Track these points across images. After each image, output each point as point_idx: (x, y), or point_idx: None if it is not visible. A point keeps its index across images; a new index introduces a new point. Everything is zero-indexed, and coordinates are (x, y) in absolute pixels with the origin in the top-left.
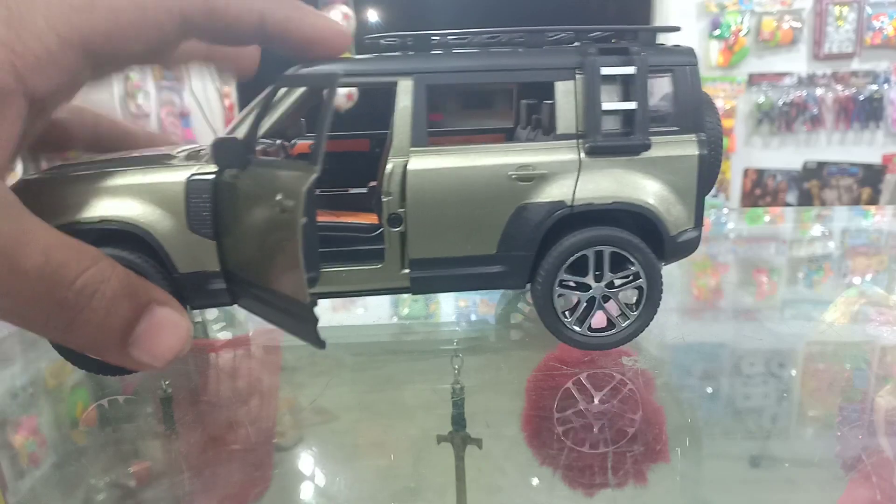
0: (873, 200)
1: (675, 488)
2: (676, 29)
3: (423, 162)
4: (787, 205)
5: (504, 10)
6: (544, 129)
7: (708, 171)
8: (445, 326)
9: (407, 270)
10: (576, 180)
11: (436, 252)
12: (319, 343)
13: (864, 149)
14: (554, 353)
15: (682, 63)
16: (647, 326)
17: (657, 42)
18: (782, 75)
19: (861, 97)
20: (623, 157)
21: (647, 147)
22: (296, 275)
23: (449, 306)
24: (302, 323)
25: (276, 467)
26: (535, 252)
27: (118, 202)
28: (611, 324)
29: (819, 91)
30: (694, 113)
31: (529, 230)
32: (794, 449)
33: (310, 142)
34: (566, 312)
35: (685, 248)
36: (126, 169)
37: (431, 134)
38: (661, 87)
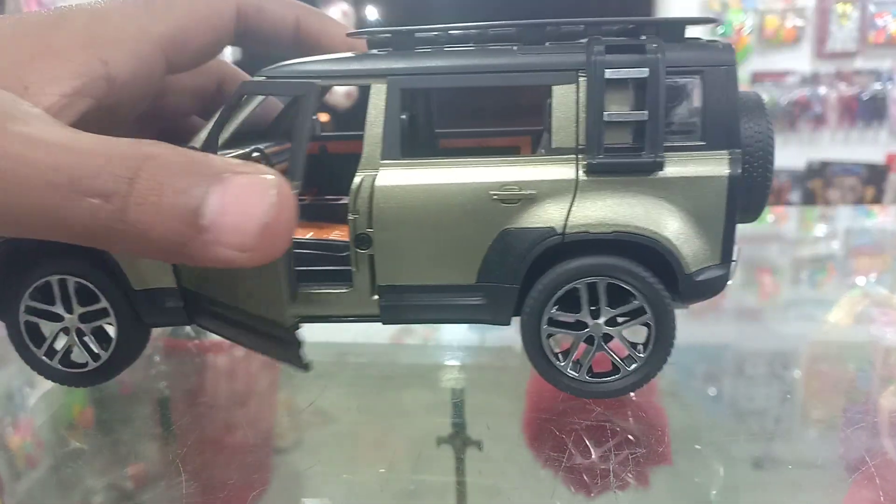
0: (877, 200)
1: (677, 490)
2: (712, 21)
3: (393, 177)
4: (790, 204)
5: (507, 8)
6: (543, 141)
7: (747, 195)
8: (446, 325)
9: (376, 297)
10: (570, 204)
11: (407, 279)
12: (304, 366)
13: (867, 148)
14: None
15: (714, 62)
16: (658, 371)
17: (687, 36)
18: (785, 74)
19: (864, 96)
20: (631, 176)
21: (659, 166)
22: (277, 299)
23: None
24: (284, 347)
25: (274, 469)
26: (521, 284)
27: None
28: (615, 368)
29: (822, 90)
30: (727, 124)
31: (513, 259)
32: (798, 451)
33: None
34: (559, 355)
35: (707, 289)
36: None
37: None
38: (688, 92)
